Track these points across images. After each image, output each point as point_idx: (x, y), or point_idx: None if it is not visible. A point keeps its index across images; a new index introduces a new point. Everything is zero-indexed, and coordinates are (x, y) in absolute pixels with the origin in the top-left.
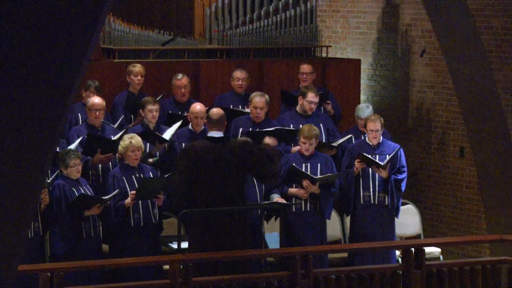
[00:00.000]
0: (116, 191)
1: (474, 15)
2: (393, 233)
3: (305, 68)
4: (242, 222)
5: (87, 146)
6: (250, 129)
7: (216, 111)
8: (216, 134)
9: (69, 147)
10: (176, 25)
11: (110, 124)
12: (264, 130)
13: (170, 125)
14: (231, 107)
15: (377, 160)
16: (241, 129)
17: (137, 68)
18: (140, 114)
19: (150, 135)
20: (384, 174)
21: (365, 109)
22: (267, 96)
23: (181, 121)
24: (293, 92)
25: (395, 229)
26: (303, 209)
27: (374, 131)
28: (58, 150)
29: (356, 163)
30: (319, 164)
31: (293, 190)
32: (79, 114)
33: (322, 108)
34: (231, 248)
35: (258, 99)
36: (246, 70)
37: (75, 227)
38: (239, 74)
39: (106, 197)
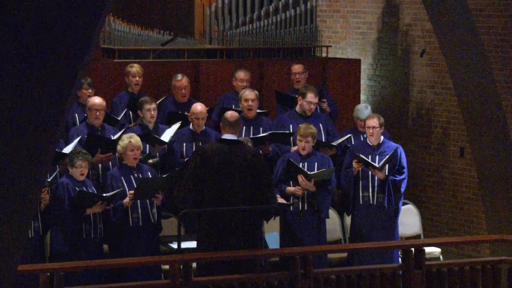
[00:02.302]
0: (118, 190)
1: (474, 15)
2: (394, 233)
3: (297, 68)
4: (249, 223)
5: (87, 146)
6: (244, 127)
7: (232, 113)
8: (230, 136)
9: (68, 147)
10: (176, 25)
11: (111, 126)
12: (258, 136)
13: (171, 124)
14: (233, 107)
15: (377, 162)
16: None
17: (135, 68)
18: (139, 114)
19: (149, 137)
20: (380, 175)
21: (363, 110)
22: (256, 91)
23: (180, 122)
24: (288, 92)
25: (397, 229)
26: (300, 208)
27: (371, 128)
28: (57, 150)
29: (354, 163)
30: (316, 163)
31: (290, 188)
32: (76, 115)
33: (318, 106)
34: (238, 248)
35: (248, 92)
36: (248, 70)
37: (76, 225)
38: (242, 75)
39: (106, 194)
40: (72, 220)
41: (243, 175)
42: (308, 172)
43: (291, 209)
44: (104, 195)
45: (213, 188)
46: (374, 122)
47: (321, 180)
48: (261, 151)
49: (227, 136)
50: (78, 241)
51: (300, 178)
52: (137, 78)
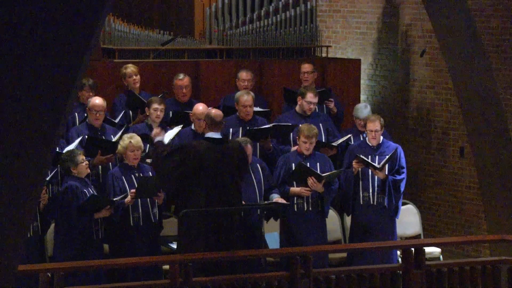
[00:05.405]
0: (125, 194)
1: (474, 15)
2: (394, 233)
3: (306, 67)
4: (240, 223)
5: (88, 148)
6: (241, 128)
7: (217, 112)
8: (215, 135)
9: (68, 147)
10: (176, 25)
11: (111, 126)
12: (262, 127)
13: (175, 124)
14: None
15: (376, 162)
16: (231, 129)
17: (129, 69)
18: (141, 113)
19: (149, 138)
20: (381, 175)
21: (363, 109)
22: (252, 94)
23: (181, 125)
24: (296, 90)
25: (396, 229)
26: (305, 209)
27: (374, 132)
28: (58, 150)
29: (354, 163)
30: (318, 164)
31: (295, 189)
32: (76, 114)
33: (324, 106)
34: (227, 248)
35: (246, 97)
36: (251, 70)
37: (84, 228)
38: (244, 75)
39: (116, 199)
40: (79, 223)
41: (233, 172)
42: (321, 174)
43: (295, 209)
44: (114, 199)
45: (206, 188)
46: (376, 125)
47: (326, 181)
48: (263, 146)
49: (212, 134)
50: (88, 243)
51: (311, 180)
52: (135, 77)
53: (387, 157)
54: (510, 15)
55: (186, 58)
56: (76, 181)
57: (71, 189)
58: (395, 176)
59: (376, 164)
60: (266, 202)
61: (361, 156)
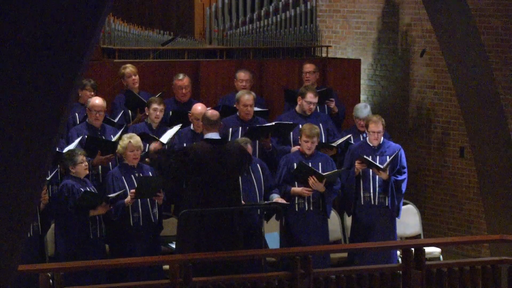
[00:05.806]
0: (122, 190)
1: (474, 15)
2: (394, 233)
3: (308, 67)
4: (240, 223)
5: (87, 148)
6: (240, 127)
7: (212, 112)
8: (214, 135)
9: (68, 147)
10: (176, 25)
11: (110, 125)
12: (264, 125)
13: (174, 124)
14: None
15: (377, 162)
16: (230, 128)
17: (129, 69)
18: (139, 112)
19: (148, 137)
20: (384, 175)
21: (363, 109)
22: (254, 94)
23: (181, 125)
24: (297, 90)
25: (396, 229)
26: (306, 209)
27: (376, 133)
28: (58, 150)
29: (356, 164)
30: (320, 164)
31: (296, 189)
32: (77, 114)
33: (326, 106)
34: (226, 248)
35: (247, 96)
36: (249, 71)
37: (81, 227)
38: (243, 75)
39: (111, 195)
40: (76, 221)
41: (233, 173)
42: (322, 173)
43: (296, 209)
44: (109, 196)
45: (206, 189)
46: (379, 126)
47: (328, 181)
48: (263, 145)
49: (211, 135)
50: (85, 241)
51: (312, 179)
52: (134, 77)
53: (390, 157)
54: (510, 15)
55: (186, 58)
56: (74, 181)
57: (66, 188)
58: (397, 177)
59: (380, 165)
60: (266, 202)
61: (365, 156)
